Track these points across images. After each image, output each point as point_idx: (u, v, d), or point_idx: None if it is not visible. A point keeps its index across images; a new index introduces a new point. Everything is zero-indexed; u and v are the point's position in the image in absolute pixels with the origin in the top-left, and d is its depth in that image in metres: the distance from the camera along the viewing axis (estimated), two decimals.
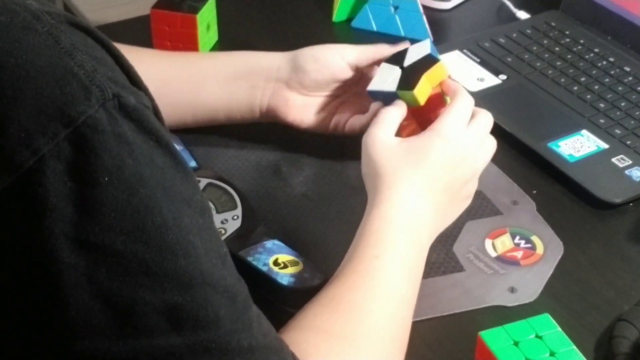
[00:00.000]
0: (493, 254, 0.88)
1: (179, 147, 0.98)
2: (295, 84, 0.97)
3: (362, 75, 0.96)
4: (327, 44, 0.98)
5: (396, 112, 0.85)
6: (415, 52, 0.89)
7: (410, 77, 0.86)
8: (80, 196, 0.55)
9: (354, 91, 0.98)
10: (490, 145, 0.86)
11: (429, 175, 0.81)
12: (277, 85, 0.97)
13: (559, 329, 0.72)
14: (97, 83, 0.56)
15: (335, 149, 1.01)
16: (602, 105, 1.08)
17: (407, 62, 0.88)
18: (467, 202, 0.86)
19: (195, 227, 0.59)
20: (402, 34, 1.24)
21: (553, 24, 1.23)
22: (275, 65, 0.98)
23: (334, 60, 0.96)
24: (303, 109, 0.98)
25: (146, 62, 0.91)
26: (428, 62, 0.86)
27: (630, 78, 1.12)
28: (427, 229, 0.81)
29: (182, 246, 0.58)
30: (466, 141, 0.83)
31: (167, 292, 0.57)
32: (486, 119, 0.86)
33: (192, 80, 0.99)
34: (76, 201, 0.55)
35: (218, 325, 0.59)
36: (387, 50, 0.94)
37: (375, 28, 1.25)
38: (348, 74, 0.96)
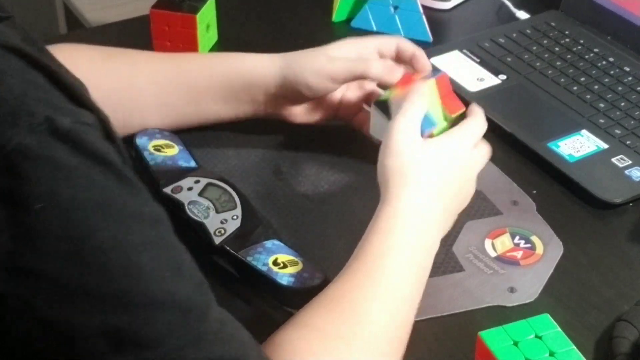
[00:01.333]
0: (493, 254, 0.88)
1: (179, 147, 0.98)
2: (294, 95, 0.97)
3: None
4: (320, 47, 0.99)
5: (421, 105, 0.85)
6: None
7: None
8: (14, 223, 0.54)
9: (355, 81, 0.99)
10: (486, 150, 0.88)
11: (444, 179, 0.82)
12: (277, 97, 0.98)
13: (559, 329, 0.72)
14: (26, 107, 0.55)
15: (336, 149, 1.01)
16: (601, 105, 1.08)
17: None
18: (465, 203, 0.87)
19: (142, 242, 0.58)
20: (402, 34, 1.24)
21: (553, 24, 1.23)
22: (271, 79, 0.98)
23: (329, 70, 0.96)
24: (308, 111, 1.00)
25: (144, 71, 0.93)
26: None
27: (630, 78, 1.12)
28: (436, 231, 0.81)
29: (124, 267, 0.57)
30: (472, 150, 0.86)
31: (108, 315, 0.56)
32: (478, 126, 0.87)
33: (191, 97, 1.00)
34: (10, 229, 0.54)
35: (162, 343, 0.58)
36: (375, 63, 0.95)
37: (375, 28, 1.25)
38: (344, 79, 0.96)
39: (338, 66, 0.95)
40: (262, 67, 0.99)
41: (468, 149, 0.85)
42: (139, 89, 0.98)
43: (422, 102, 0.85)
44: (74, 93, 0.60)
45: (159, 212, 0.62)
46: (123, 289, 0.57)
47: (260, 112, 1.00)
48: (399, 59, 0.98)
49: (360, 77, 0.96)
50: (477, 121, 0.87)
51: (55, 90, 0.59)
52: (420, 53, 0.97)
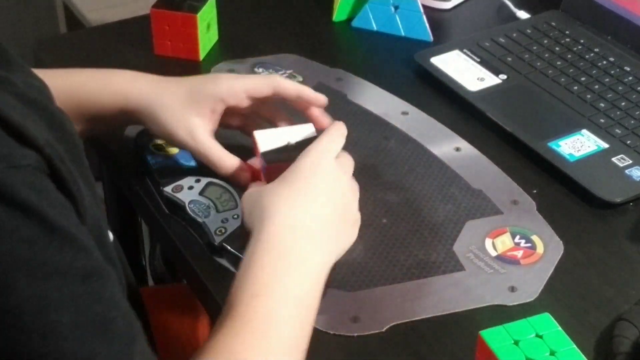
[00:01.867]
0: (493, 253, 0.88)
1: (178, 147, 0.98)
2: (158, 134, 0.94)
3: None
4: (190, 81, 0.94)
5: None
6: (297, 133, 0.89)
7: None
8: None
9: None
10: (347, 160, 0.85)
11: (306, 188, 0.78)
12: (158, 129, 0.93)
13: (559, 328, 0.72)
14: None
15: None
16: (602, 104, 1.08)
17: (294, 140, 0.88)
18: (355, 227, 0.83)
19: (65, 299, 0.57)
20: (402, 33, 1.24)
21: (553, 23, 1.23)
22: (136, 113, 0.92)
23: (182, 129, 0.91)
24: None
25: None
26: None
27: (630, 78, 1.12)
28: (315, 253, 0.76)
29: (41, 326, 0.56)
30: (334, 164, 0.82)
31: None
32: (348, 161, 0.85)
33: (82, 115, 0.93)
34: None
35: None
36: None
37: (375, 28, 1.25)
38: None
39: (198, 143, 0.90)
40: (134, 89, 0.93)
41: (326, 165, 0.81)
42: None
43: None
44: (17, 130, 0.59)
45: (96, 263, 0.60)
46: (39, 349, 0.56)
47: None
48: (285, 100, 0.94)
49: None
50: (327, 141, 0.83)
51: None
52: (303, 90, 0.93)
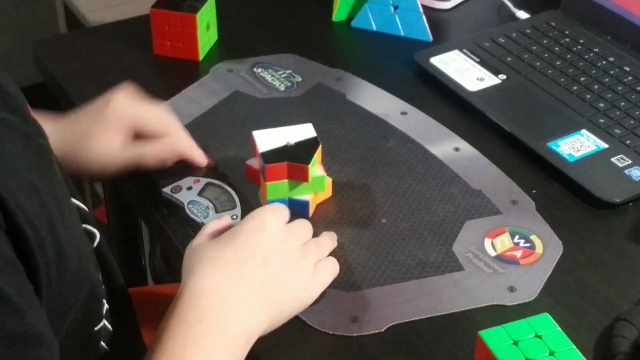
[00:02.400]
0: (492, 253, 0.88)
1: None
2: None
3: None
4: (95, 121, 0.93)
5: (212, 225, 0.81)
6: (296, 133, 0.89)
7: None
8: None
9: None
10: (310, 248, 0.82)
11: (237, 258, 0.76)
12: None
13: (559, 328, 0.72)
14: None
15: (334, 148, 1.01)
16: (601, 104, 1.08)
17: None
18: (302, 296, 0.79)
19: None
20: (402, 33, 1.24)
21: (553, 23, 1.23)
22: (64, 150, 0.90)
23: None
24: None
25: None
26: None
27: (629, 78, 1.12)
28: (237, 322, 0.73)
29: None
30: (279, 225, 0.79)
31: None
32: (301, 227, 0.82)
33: None
34: None
35: None
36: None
37: (375, 28, 1.25)
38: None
39: (121, 159, 0.92)
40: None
41: (270, 229, 0.78)
42: None
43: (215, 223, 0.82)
44: None
45: (29, 328, 0.58)
46: None
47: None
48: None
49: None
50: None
51: None
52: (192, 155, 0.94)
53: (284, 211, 0.82)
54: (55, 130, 0.89)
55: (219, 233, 0.80)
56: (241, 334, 0.73)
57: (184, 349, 0.70)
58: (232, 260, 0.75)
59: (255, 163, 0.90)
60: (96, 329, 0.76)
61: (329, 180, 0.93)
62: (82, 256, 0.70)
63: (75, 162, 0.91)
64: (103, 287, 0.78)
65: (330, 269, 0.83)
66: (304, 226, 0.83)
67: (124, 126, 0.92)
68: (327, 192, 0.93)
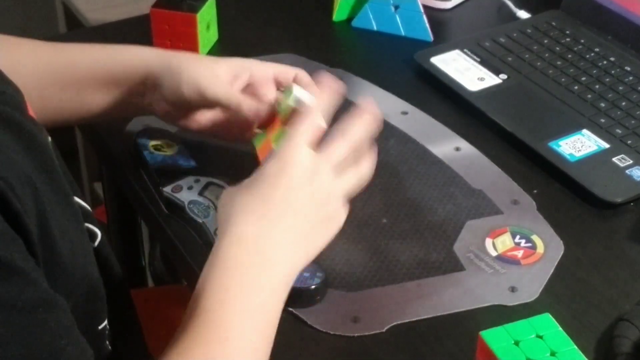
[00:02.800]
0: (493, 253, 0.88)
1: (178, 147, 0.98)
2: (172, 98, 0.91)
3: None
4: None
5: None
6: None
7: None
8: None
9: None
10: (353, 176, 0.80)
11: (266, 197, 0.75)
12: (156, 95, 0.92)
13: (560, 328, 0.72)
14: None
15: None
16: (602, 104, 1.08)
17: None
18: (332, 225, 0.78)
19: (12, 332, 0.57)
20: (403, 33, 1.24)
21: (553, 23, 1.23)
22: (152, 69, 0.91)
23: (213, 92, 0.89)
24: (185, 117, 0.94)
25: (24, 57, 0.88)
26: None
27: (630, 77, 1.12)
28: (278, 257, 0.74)
29: None
30: (306, 159, 0.76)
31: None
32: (345, 146, 0.79)
33: (72, 85, 0.94)
34: None
35: None
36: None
37: (375, 27, 1.25)
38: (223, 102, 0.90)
39: (218, 87, 0.89)
40: (145, 56, 0.93)
41: (298, 167, 0.76)
42: (21, 82, 0.81)
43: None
44: None
45: (44, 295, 0.60)
46: None
47: (139, 109, 0.96)
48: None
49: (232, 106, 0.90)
50: (295, 132, 0.78)
51: None
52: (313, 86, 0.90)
53: (312, 131, 0.78)
54: (163, 53, 0.92)
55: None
56: (282, 275, 0.74)
57: (226, 293, 0.71)
58: (263, 207, 0.75)
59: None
60: (100, 327, 0.76)
61: None
62: (79, 253, 0.70)
63: (176, 83, 0.89)
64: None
65: (357, 183, 0.80)
66: (338, 142, 0.79)
67: (236, 69, 0.91)
68: None
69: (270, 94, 0.90)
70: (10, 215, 0.60)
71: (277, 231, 0.74)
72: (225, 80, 0.90)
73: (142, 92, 0.93)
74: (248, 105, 0.89)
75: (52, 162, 0.70)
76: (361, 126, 0.81)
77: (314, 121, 0.79)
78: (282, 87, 0.91)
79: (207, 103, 0.90)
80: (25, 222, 0.61)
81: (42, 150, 0.69)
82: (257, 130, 0.92)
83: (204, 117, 0.93)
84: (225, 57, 0.93)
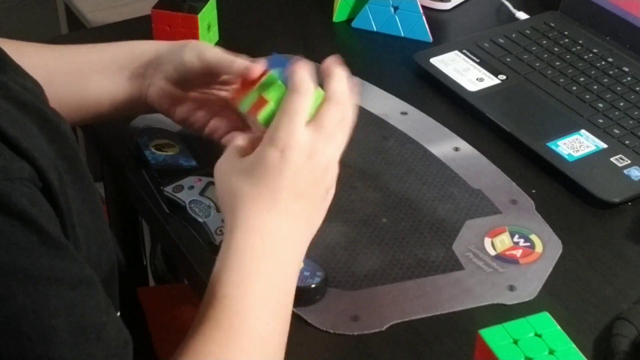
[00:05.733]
0: (492, 253, 0.89)
1: (179, 146, 0.98)
2: (173, 75, 0.92)
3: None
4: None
5: (242, 140, 0.79)
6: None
7: None
8: None
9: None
10: (342, 136, 0.78)
11: (273, 187, 0.74)
12: (157, 74, 0.93)
13: (558, 327, 0.72)
14: None
15: None
16: (601, 105, 1.08)
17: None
18: (329, 195, 0.79)
19: (60, 306, 0.58)
20: (402, 34, 1.24)
21: (552, 24, 1.24)
22: (160, 57, 0.93)
23: (214, 59, 0.90)
24: (177, 103, 0.94)
25: (30, 56, 0.88)
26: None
27: (628, 78, 1.12)
28: (289, 244, 0.75)
29: (41, 332, 0.57)
30: (304, 140, 0.74)
31: None
32: (335, 110, 0.77)
33: (77, 72, 0.95)
34: None
35: None
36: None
37: (375, 28, 1.26)
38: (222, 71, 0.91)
39: (215, 50, 0.91)
40: (145, 43, 0.96)
41: (296, 150, 0.74)
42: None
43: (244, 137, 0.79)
44: (12, 142, 0.60)
45: (85, 272, 0.62)
46: (40, 355, 0.57)
47: (141, 95, 0.95)
48: None
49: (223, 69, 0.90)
50: (288, 110, 0.75)
51: None
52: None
53: (304, 110, 0.75)
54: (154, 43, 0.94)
55: (247, 149, 0.77)
56: (294, 262, 0.76)
57: (243, 280, 0.72)
58: (271, 197, 0.74)
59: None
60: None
61: None
62: (92, 242, 0.72)
63: (175, 56, 0.91)
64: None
65: (346, 139, 0.79)
66: (325, 108, 0.77)
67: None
68: None
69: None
70: (49, 196, 0.62)
71: (286, 219, 0.75)
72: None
73: (143, 74, 0.93)
74: (239, 62, 0.87)
75: (75, 151, 0.71)
76: (338, 83, 0.79)
77: (305, 100, 0.76)
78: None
79: (205, 67, 0.90)
80: (61, 202, 0.63)
81: (66, 140, 0.70)
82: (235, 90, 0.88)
83: (192, 105, 0.94)
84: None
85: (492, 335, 0.71)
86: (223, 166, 0.77)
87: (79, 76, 0.95)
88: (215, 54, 0.90)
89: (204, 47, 0.91)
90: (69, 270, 0.60)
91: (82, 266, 0.62)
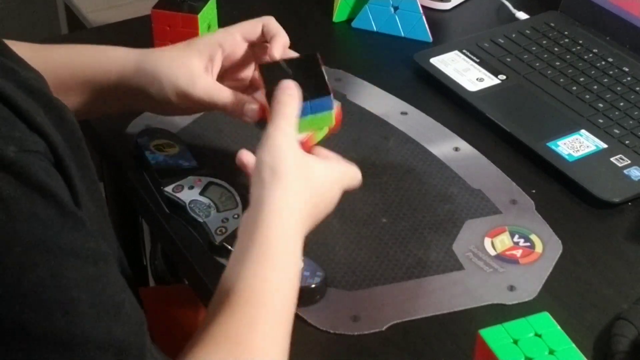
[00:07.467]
0: (492, 253, 0.89)
1: (180, 147, 0.99)
2: (161, 100, 0.91)
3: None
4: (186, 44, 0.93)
5: (295, 105, 0.82)
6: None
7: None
8: None
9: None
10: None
11: (310, 192, 0.79)
12: (134, 91, 0.91)
13: (558, 327, 0.72)
14: None
15: (335, 148, 1.02)
16: (600, 105, 1.08)
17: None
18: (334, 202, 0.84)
19: (81, 279, 0.58)
20: (402, 34, 1.25)
21: (552, 24, 1.24)
22: (130, 79, 0.91)
23: (190, 90, 0.89)
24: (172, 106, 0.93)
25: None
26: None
27: (628, 78, 1.12)
28: (300, 237, 0.79)
29: (62, 304, 0.56)
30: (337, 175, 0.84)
31: (46, 354, 0.56)
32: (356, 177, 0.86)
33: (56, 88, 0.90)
34: None
35: None
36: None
37: (375, 28, 1.26)
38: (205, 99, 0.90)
39: (198, 88, 0.89)
40: (118, 59, 0.92)
41: (338, 188, 0.83)
42: None
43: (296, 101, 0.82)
44: (26, 117, 0.60)
45: (102, 248, 0.61)
46: (62, 326, 0.56)
47: (122, 106, 0.95)
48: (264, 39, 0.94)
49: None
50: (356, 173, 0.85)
51: (7, 114, 0.59)
52: (279, 38, 0.92)
53: (290, 123, 0.81)
54: (137, 56, 0.91)
55: None
56: (299, 250, 0.77)
57: (264, 258, 0.74)
58: (311, 212, 0.80)
59: (261, 97, 0.87)
60: None
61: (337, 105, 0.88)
62: (111, 241, 0.72)
63: (158, 89, 0.90)
64: None
65: None
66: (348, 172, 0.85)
67: (208, 52, 0.91)
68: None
69: (247, 72, 0.94)
70: (62, 172, 0.62)
71: (299, 214, 0.78)
72: (201, 69, 0.89)
73: (119, 96, 0.92)
74: (232, 104, 0.88)
75: (80, 141, 0.71)
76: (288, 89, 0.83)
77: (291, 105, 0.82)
78: (255, 44, 0.93)
79: (195, 102, 0.90)
80: (75, 181, 0.63)
81: (71, 127, 0.70)
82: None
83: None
84: (194, 39, 0.93)
85: (492, 335, 0.71)
86: (288, 135, 0.80)
87: (61, 93, 0.90)
88: (200, 96, 0.89)
89: (183, 85, 0.89)
90: (88, 245, 0.60)
91: (99, 242, 0.61)
